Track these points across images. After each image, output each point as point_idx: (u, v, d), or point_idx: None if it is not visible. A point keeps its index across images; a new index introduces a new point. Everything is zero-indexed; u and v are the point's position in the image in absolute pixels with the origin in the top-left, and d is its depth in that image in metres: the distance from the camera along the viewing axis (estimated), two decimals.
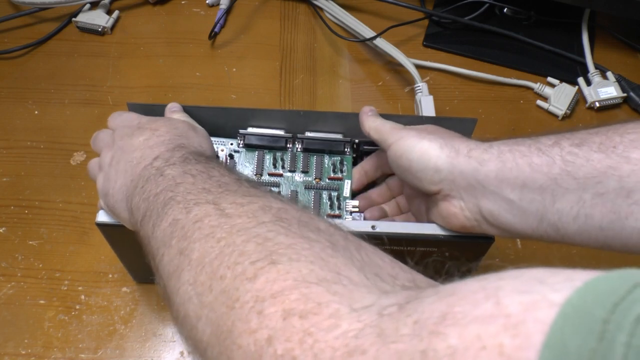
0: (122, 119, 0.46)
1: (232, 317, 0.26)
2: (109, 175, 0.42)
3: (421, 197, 0.46)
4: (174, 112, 0.48)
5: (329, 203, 0.49)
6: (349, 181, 0.50)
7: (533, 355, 0.17)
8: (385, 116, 0.48)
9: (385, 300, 0.23)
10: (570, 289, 0.18)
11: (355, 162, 0.52)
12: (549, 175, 0.36)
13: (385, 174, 0.50)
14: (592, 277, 0.18)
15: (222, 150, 0.50)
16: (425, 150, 0.40)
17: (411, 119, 0.48)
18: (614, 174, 0.34)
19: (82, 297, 0.55)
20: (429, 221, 0.45)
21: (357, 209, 0.48)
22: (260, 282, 0.26)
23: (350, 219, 0.48)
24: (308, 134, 0.51)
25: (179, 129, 0.43)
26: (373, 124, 0.45)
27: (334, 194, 0.49)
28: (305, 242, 0.28)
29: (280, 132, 0.51)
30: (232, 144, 0.51)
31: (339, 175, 0.50)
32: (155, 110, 0.49)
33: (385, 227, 0.44)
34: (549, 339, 0.17)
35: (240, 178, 0.36)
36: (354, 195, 0.50)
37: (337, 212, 0.49)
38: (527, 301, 0.18)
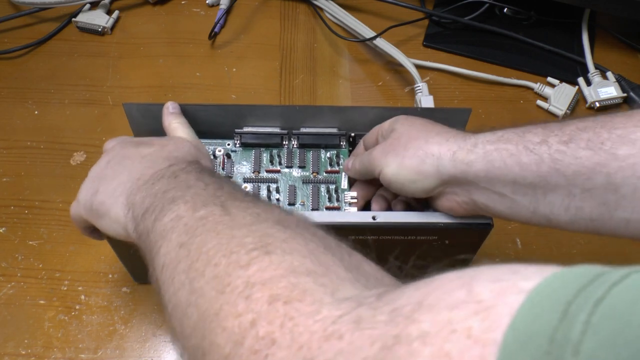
0: (119, 139, 0.46)
1: (221, 300, 0.27)
2: (102, 174, 0.41)
3: None
4: (172, 114, 0.48)
5: (327, 196, 0.49)
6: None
7: (499, 336, 0.18)
8: (384, 109, 0.49)
9: (366, 292, 0.24)
10: (539, 278, 0.19)
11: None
12: (538, 173, 0.36)
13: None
14: (560, 269, 0.19)
15: (220, 151, 0.51)
16: (409, 171, 0.41)
17: (408, 110, 0.49)
18: (601, 171, 0.34)
19: (82, 297, 0.55)
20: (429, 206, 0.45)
21: (355, 200, 0.48)
22: (252, 270, 0.27)
23: (350, 210, 0.48)
24: (303, 129, 0.51)
25: (186, 148, 0.44)
26: (356, 170, 0.47)
27: (332, 186, 0.50)
28: (300, 239, 0.29)
29: (276, 130, 0.51)
30: (228, 144, 0.51)
31: (336, 168, 0.51)
32: (151, 110, 0.49)
33: (385, 217, 0.44)
34: (515, 320, 0.18)
35: (249, 193, 0.38)
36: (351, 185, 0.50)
37: (335, 204, 0.49)
38: (498, 288, 0.19)
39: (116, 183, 0.40)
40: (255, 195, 0.37)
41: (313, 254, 0.28)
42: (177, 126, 0.47)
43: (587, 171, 0.35)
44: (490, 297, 0.19)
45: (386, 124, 0.46)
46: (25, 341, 0.52)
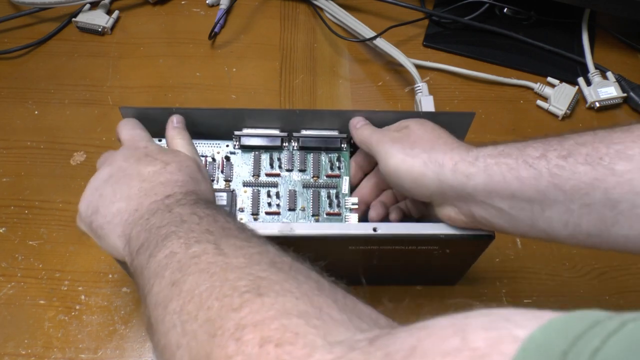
0: (131, 136, 0.45)
1: (212, 344, 0.26)
2: (103, 191, 0.41)
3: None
4: (176, 128, 0.47)
5: (328, 201, 0.49)
6: (347, 178, 0.50)
7: None
8: (385, 112, 0.48)
9: (359, 335, 0.24)
10: (534, 326, 0.18)
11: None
12: (536, 188, 0.36)
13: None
14: (556, 316, 0.19)
15: (218, 153, 0.50)
16: (410, 169, 0.41)
17: (409, 114, 0.48)
18: (599, 186, 0.34)
19: (82, 297, 0.55)
20: (428, 213, 0.45)
21: (356, 206, 0.48)
22: (244, 312, 0.26)
23: (351, 218, 0.48)
24: (304, 132, 0.51)
25: (189, 169, 0.42)
26: (361, 137, 0.46)
27: (333, 191, 0.49)
28: (293, 281, 0.28)
29: (276, 132, 0.50)
30: (227, 146, 0.51)
31: (337, 172, 0.50)
32: (149, 114, 0.48)
33: (386, 228, 0.44)
34: None
35: (244, 226, 0.37)
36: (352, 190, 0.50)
37: (336, 209, 0.49)
38: (492, 336, 0.19)
39: (115, 209, 0.39)
40: (252, 232, 0.36)
41: (306, 296, 0.27)
42: (179, 142, 0.46)
43: (585, 186, 0.35)
44: (485, 345, 0.19)
45: (400, 122, 0.46)
46: (25, 341, 0.52)
